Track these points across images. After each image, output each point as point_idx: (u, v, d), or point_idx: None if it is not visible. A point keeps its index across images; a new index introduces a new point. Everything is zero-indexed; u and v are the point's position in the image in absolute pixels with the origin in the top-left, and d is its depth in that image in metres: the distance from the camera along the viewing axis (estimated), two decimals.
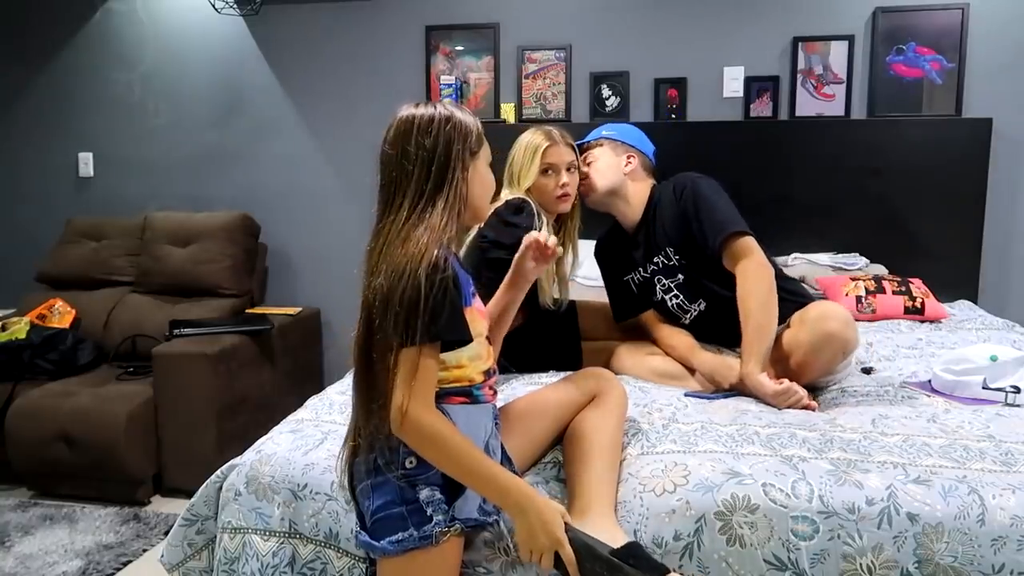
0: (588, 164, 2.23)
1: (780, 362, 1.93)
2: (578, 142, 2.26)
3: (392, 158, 1.35)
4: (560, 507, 1.33)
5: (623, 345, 2.23)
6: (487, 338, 1.44)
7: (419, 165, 1.33)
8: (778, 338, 1.92)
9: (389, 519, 1.28)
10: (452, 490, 1.31)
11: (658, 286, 2.17)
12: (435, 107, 1.38)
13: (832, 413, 1.79)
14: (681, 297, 2.15)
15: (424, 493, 1.29)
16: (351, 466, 1.37)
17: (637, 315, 2.26)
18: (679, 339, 2.13)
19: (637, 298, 2.25)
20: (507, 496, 1.29)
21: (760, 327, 1.89)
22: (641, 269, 2.20)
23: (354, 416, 1.36)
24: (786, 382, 1.82)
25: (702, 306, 2.13)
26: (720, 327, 2.09)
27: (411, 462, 1.30)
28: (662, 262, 2.14)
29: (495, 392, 1.46)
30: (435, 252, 1.26)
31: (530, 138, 2.16)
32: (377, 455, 1.30)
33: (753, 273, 1.94)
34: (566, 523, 1.30)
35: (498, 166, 2.23)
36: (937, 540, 1.33)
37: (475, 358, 1.38)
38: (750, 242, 1.98)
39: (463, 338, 1.32)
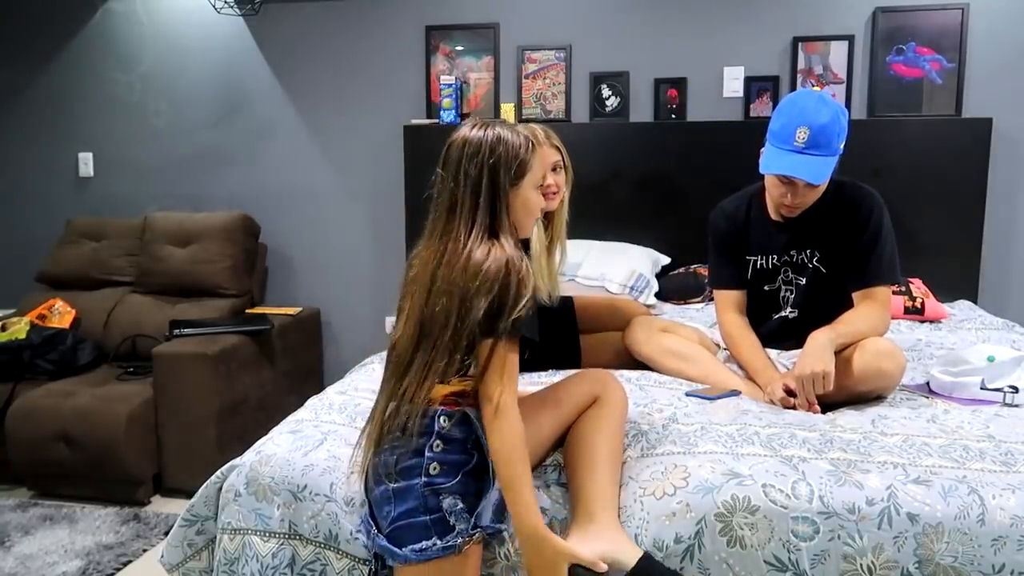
0: (814, 187, 1.98)
1: None
2: (818, 153, 1.91)
3: (443, 181, 1.44)
4: (569, 553, 1.32)
5: (637, 319, 2.23)
6: None
7: (467, 194, 1.41)
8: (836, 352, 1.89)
9: (412, 528, 1.31)
10: (473, 499, 1.34)
11: (780, 276, 2.13)
12: (485, 131, 1.43)
13: (832, 413, 1.79)
14: (791, 298, 2.13)
15: (447, 502, 1.32)
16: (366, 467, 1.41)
17: (735, 289, 2.18)
18: (753, 340, 2.10)
19: (740, 275, 2.18)
20: (526, 521, 1.32)
21: (853, 333, 1.90)
22: (774, 256, 2.12)
23: (377, 414, 1.41)
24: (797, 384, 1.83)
25: (794, 314, 2.12)
26: (786, 338, 2.10)
27: (435, 468, 1.33)
28: (800, 259, 2.10)
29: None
30: (518, 262, 1.36)
31: None
32: (399, 458, 1.34)
33: (874, 315, 1.98)
34: (576, 566, 1.32)
35: None
36: (937, 540, 1.33)
37: None
38: (889, 293, 2.03)
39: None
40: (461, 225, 1.40)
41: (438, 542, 1.29)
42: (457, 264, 1.36)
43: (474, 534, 1.32)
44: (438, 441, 1.34)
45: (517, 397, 1.36)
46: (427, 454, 1.33)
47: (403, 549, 1.30)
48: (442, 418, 1.35)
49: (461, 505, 1.32)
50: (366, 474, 1.41)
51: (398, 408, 1.38)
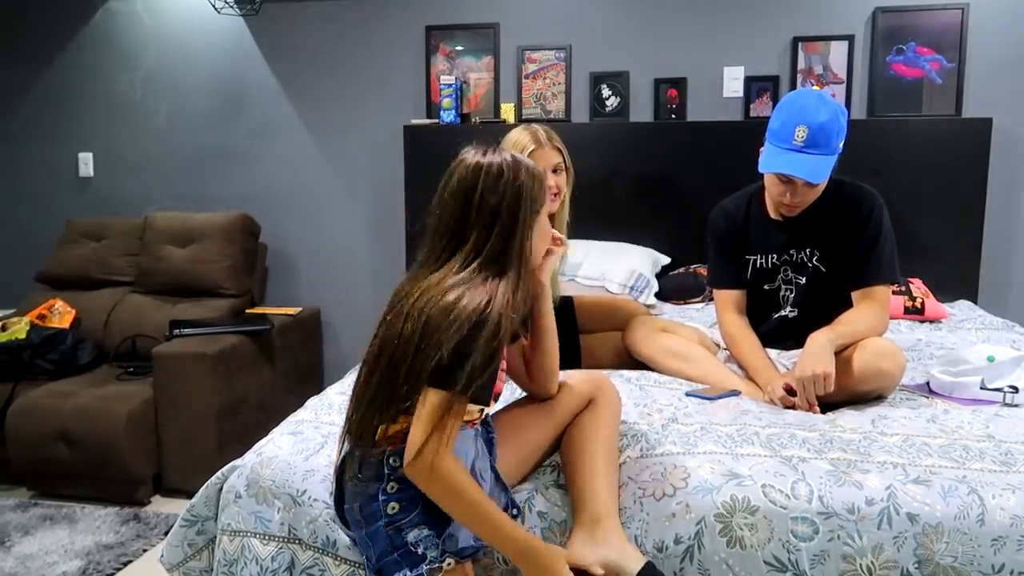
0: (813, 186, 1.97)
1: None
2: (817, 152, 1.91)
3: (451, 209, 1.33)
4: (564, 552, 1.33)
5: (637, 319, 2.23)
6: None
7: (481, 226, 1.31)
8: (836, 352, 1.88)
9: (388, 565, 1.30)
10: (439, 524, 1.30)
11: (780, 275, 2.12)
12: (501, 158, 1.35)
13: (832, 413, 1.79)
14: (790, 297, 2.12)
15: (412, 535, 1.29)
16: (340, 508, 1.40)
17: (735, 289, 2.17)
18: (753, 340, 2.10)
19: (740, 275, 2.17)
20: (510, 545, 1.29)
21: (852, 333, 1.90)
22: (773, 255, 2.12)
23: (343, 451, 1.38)
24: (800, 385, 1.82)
25: (794, 313, 2.12)
26: (786, 338, 2.10)
27: (393, 508, 1.30)
28: (800, 258, 2.10)
29: (481, 416, 1.45)
30: (499, 313, 1.25)
31: (517, 138, 2.14)
32: (361, 505, 1.32)
33: (874, 315, 1.98)
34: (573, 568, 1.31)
35: None
36: (937, 540, 1.33)
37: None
38: (888, 292, 2.03)
39: (486, 403, 1.33)
40: (462, 255, 1.31)
41: (408, 573, 1.27)
42: (435, 295, 1.26)
43: (444, 560, 1.28)
44: (392, 483, 1.30)
45: (452, 446, 1.26)
46: (381, 497, 1.30)
47: None
48: (391, 458, 1.30)
49: (428, 532, 1.29)
50: (340, 512, 1.41)
51: (352, 450, 1.35)
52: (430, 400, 1.24)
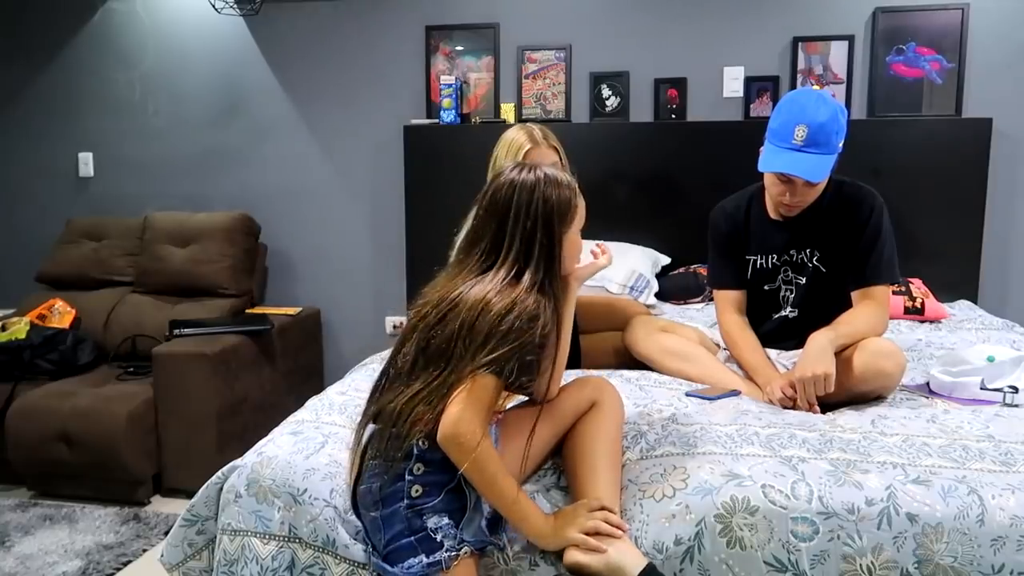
0: (812, 185, 1.98)
1: None
2: (816, 151, 1.91)
3: (488, 225, 1.42)
4: (564, 527, 1.36)
5: (637, 319, 2.24)
6: None
7: (518, 238, 1.39)
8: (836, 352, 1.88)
9: (400, 549, 1.32)
10: (459, 513, 1.34)
11: (780, 276, 2.12)
12: (535, 175, 1.42)
13: (832, 413, 1.79)
14: (791, 297, 2.12)
15: (432, 521, 1.32)
16: (355, 493, 1.41)
17: (735, 289, 2.17)
18: (752, 340, 2.10)
19: (740, 275, 2.17)
20: (530, 520, 1.35)
21: (852, 334, 1.90)
22: (774, 256, 2.12)
23: (365, 435, 1.41)
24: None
25: (794, 313, 2.12)
26: (786, 338, 2.10)
27: (416, 490, 1.33)
28: (800, 259, 2.10)
29: (495, 413, 1.48)
30: (543, 322, 1.34)
31: (513, 136, 2.15)
32: (382, 485, 1.35)
33: (874, 315, 1.98)
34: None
35: (484, 162, 2.24)
36: (937, 540, 1.33)
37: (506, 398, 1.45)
38: (888, 292, 2.04)
39: (529, 394, 1.47)
40: (503, 266, 1.38)
41: (424, 559, 1.30)
42: (481, 302, 1.33)
43: (460, 549, 1.31)
44: (419, 464, 1.34)
45: (487, 423, 1.34)
46: (407, 477, 1.33)
47: (394, 567, 1.32)
48: (421, 440, 1.33)
49: (447, 521, 1.32)
50: (354, 496, 1.42)
51: (381, 432, 1.37)
52: (481, 382, 1.30)
